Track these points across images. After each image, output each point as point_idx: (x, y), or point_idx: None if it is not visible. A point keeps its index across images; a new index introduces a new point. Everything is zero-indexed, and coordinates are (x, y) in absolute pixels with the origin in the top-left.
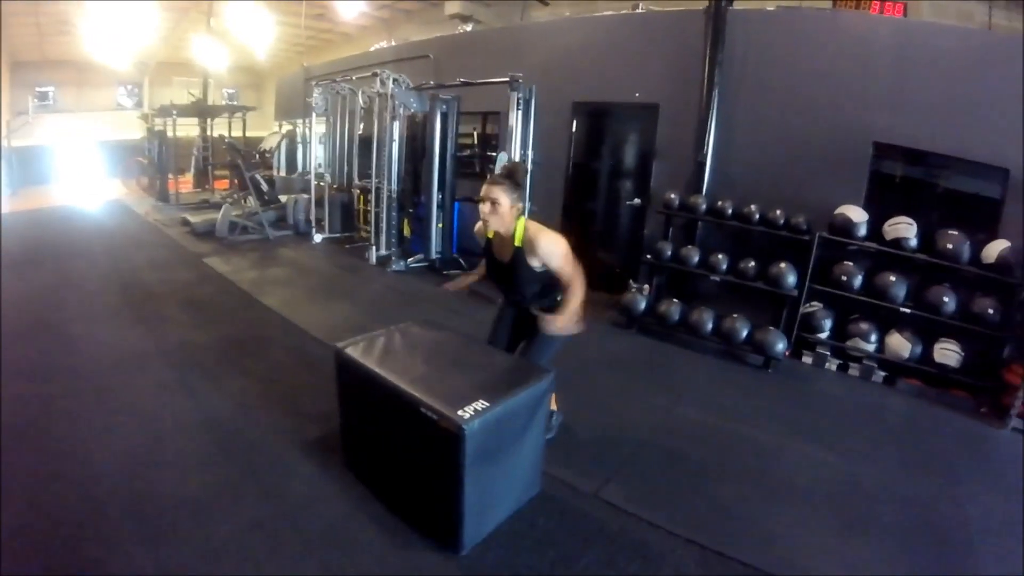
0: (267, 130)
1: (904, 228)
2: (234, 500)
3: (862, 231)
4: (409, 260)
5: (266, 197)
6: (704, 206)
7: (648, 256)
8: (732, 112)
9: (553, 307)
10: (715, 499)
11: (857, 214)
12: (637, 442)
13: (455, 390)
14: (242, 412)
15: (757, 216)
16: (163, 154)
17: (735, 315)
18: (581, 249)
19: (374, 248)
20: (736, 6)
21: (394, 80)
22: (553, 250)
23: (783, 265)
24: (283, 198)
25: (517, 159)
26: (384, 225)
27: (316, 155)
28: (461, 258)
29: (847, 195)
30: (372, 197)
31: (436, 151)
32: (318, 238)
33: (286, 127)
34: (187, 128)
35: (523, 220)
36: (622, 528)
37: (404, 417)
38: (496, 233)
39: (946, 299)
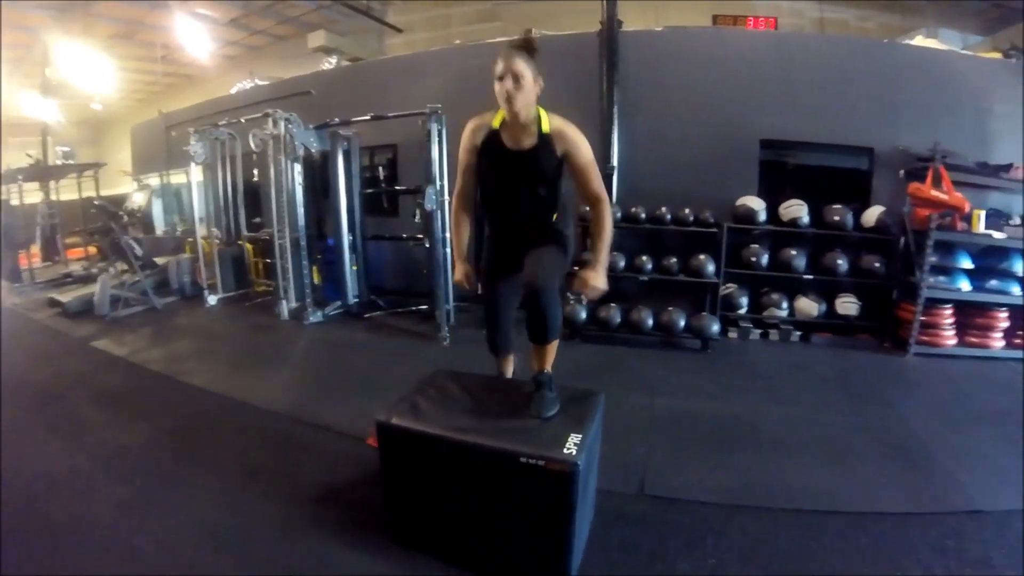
0: (117, 187)
1: (796, 209)
2: None
3: (762, 217)
4: (326, 309)
5: (142, 262)
6: (619, 214)
7: (576, 268)
8: (634, 124)
9: (550, 233)
10: (735, 467)
11: (756, 203)
12: (643, 437)
13: (541, 432)
14: (238, 515)
15: (669, 217)
16: (7, 226)
17: (671, 308)
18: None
19: (284, 302)
20: (626, 28)
21: (286, 120)
22: (583, 142)
23: (702, 257)
24: (159, 260)
25: (444, 191)
26: (291, 275)
27: (197, 208)
28: (380, 300)
29: (744, 187)
30: (276, 246)
31: (342, 190)
32: (212, 300)
33: (150, 180)
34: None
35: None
36: (681, 513)
37: (495, 472)
38: (506, 121)
39: (839, 262)
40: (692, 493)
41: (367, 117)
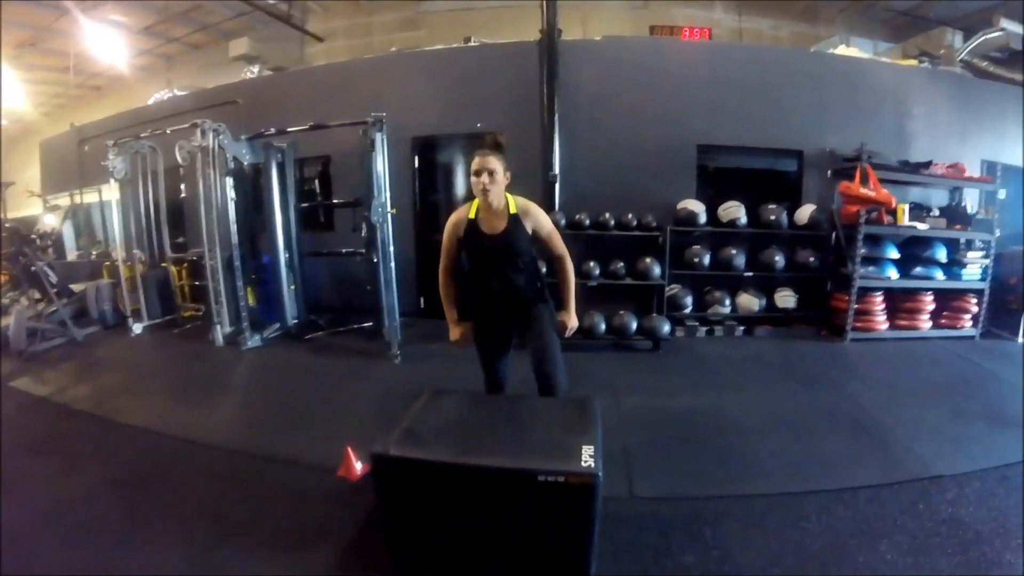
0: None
1: (735, 210)
2: None
3: (703, 219)
4: (264, 332)
5: (58, 289)
6: (563, 221)
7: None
8: (574, 132)
9: (538, 296)
10: (712, 459)
11: (696, 205)
12: (617, 439)
13: (552, 446)
14: (216, 572)
15: (612, 222)
16: None
17: (622, 312)
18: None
19: (218, 326)
20: (565, 38)
21: (215, 130)
22: (543, 216)
23: (648, 260)
24: (76, 287)
25: (388, 203)
26: (224, 298)
27: (117, 229)
28: (320, 319)
29: (683, 190)
30: (207, 267)
31: (276, 205)
32: (138, 328)
33: (59, 200)
34: None
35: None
36: (674, 510)
37: (511, 493)
38: (481, 209)
39: (777, 258)
40: (680, 489)
41: (306, 127)
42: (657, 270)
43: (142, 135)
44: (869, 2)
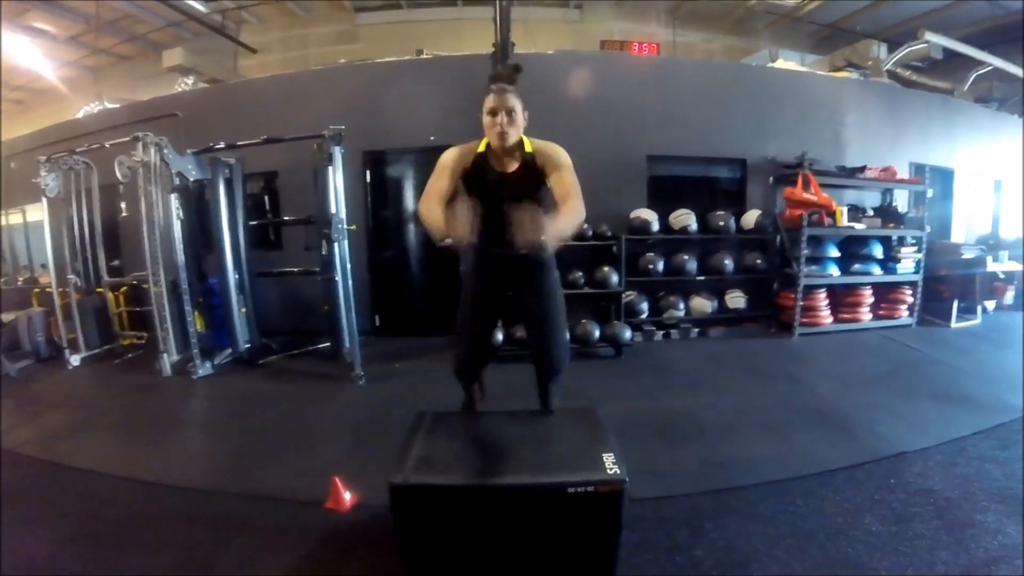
0: None
1: (685, 217)
2: None
3: (656, 227)
4: (215, 359)
5: None
6: None
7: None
8: None
9: (541, 266)
10: (695, 458)
11: (649, 214)
12: None
13: (573, 457)
14: None
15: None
16: None
17: (584, 320)
18: (402, 297)
19: (165, 355)
20: (517, 51)
21: (158, 144)
22: (564, 158)
23: (606, 268)
24: (5, 317)
25: (344, 219)
26: (171, 324)
27: (50, 252)
28: (273, 343)
29: (635, 199)
30: (151, 292)
31: (225, 223)
32: (75, 360)
33: None
34: None
35: None
36: (674, 509)
37: (540, 508)
38: (492, 149)
39: (726, 261)
40: (674, 488)
41: (259, 140)
42: (615, 278)
43: (77, 150)
44: (794, 16)
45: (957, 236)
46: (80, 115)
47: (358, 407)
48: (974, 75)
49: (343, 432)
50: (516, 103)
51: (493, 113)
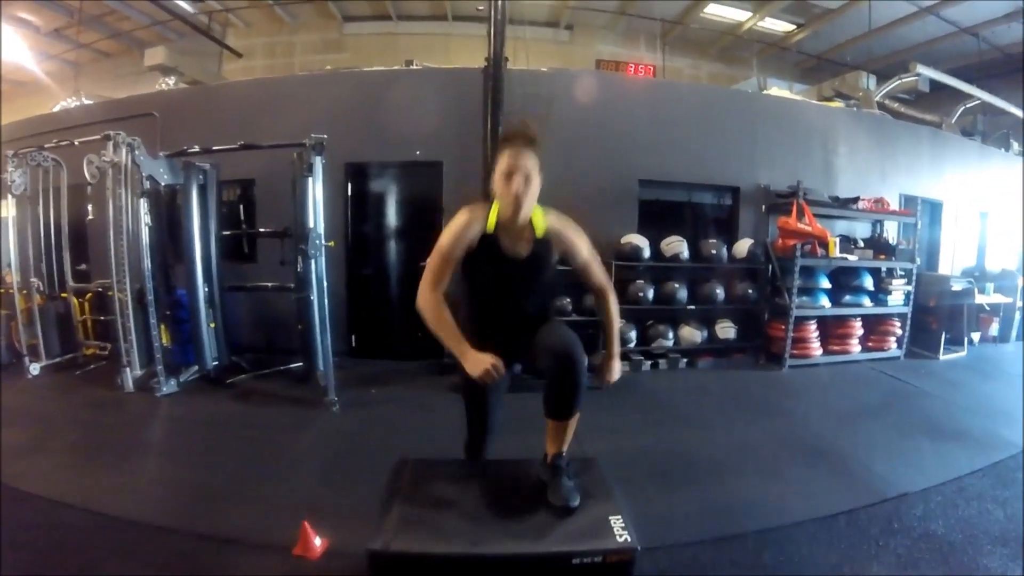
0: None
1: (677, 244)
2: None
3: (646, 253)
4: (181, 376)
5: None
6: None
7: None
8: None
9: (545, 316)
10: (692, 502)
11: (640, 240)
12: None
13: (578, 520)
14: None
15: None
16: None
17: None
18: (381, 318)
19: (128, 369)
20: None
21: (130, 144)
22: (580, 238)
23: None
24: None
25: (322, 235)
26: (135, 336)
27: (14, 253)
28: (243, 361)
29: (624, 224)
30: (115, 300)
31: (196, 232)
32: (35, 369)
33: None
34: None
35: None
36: (674, 559)
37: None
38: (503, 221)
39: (717, 291)
40: (671, 537)
41: (235, 146)
42: None
43: (46, 146)
44: (782, 46)
45: (943, 267)
46: (56, 109)
47: (331, 437)
48: (961, 108)
49: (315, 466)
50: (534, 165)
51: (509, 175)
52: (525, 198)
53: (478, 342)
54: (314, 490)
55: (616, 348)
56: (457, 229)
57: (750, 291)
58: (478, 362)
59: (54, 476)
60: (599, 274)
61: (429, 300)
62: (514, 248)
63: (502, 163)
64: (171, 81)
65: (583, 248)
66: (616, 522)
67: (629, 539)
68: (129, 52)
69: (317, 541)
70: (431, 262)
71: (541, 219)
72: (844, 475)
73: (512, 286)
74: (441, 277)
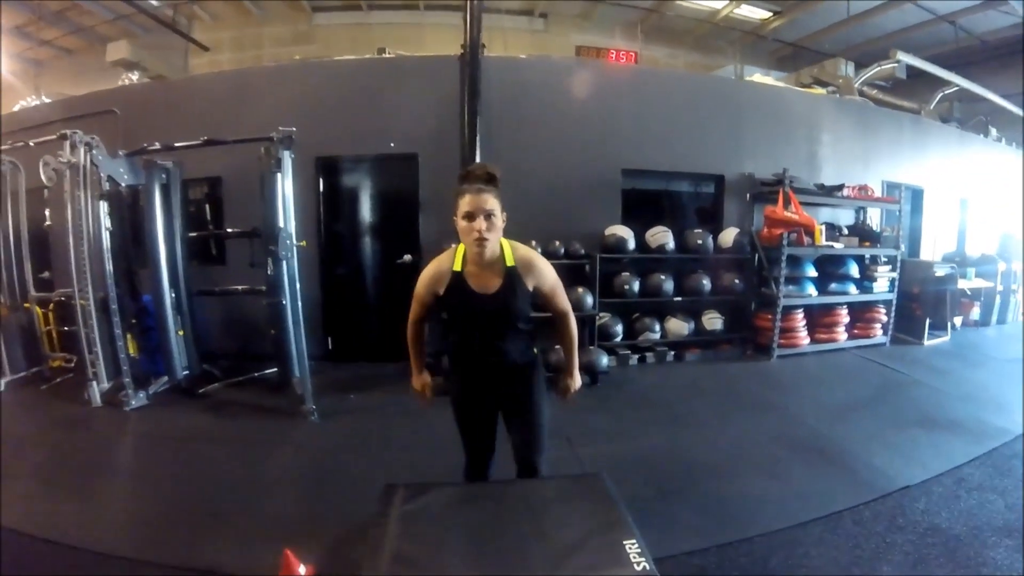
0: None
1: (663, 235)
2: None
3: (631, 245)
4: (150, 388)
5: None
6: None
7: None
8: (497, 155)
9: (530, 361)
10: (691, 508)
11: (625, 231)
12: None
13: (588, 547)
14: None
15: (539, 250)
16: None
17: (557, 346)
18: (357, 319)
19: (94, 383)
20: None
21: (88, 144)
22: (547, 269)
23: (580, 290)
24: None
25: (293, 234)
26: (100, 347)
27: None
28: (215, 369)
29: (608, 216)
30: (77, 309)
31: (160, 235)
32: (0, 384)
33: None
34: None
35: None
36: (679, 569)
37: None
38: (469, 260)
39: (704, 282)
40: (676, 546)
41: (197, 142)
42: (590, 300)
43: (2, 148)
44: (759, 34)
45: (925, 254)
46: (16, 109)
47: (311, 452)
48: (940, 95)
49: (295, 484)
50: (496, 205)
51: (469, 217)
52: (488, 237)
53: (461, 385)
54: (293, 512)
55: (575, 364)
56: (425, 281)
57: (736, 281)
58: (416, 383)
59: (13, 504)
60: (562, 301)
61: (409, 327)
62: (484, 284)
63: (463, 205)
64: (134, 77)
65: (549, 276)
66: (631, 547)
67: (647, 566)
68: (93, 48)
69: (301, 570)
70: (413, 301)
71: (508, 251)
72: (844, 471)
73: (487, 322)
74: (419, 314)
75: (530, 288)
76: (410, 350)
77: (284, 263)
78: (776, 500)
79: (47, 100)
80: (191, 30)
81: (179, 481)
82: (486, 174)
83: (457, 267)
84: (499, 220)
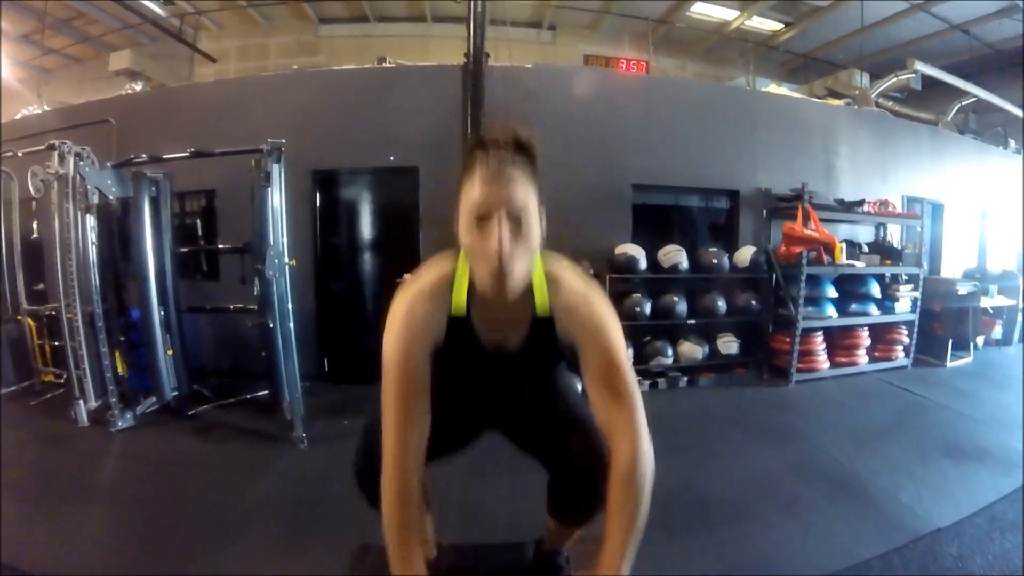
0: None
1: (676, 254)
2: None
3: (643, 265)
4: (138, 408)
5: None
6: None
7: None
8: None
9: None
10: (709, 552)
11: (636, 250)
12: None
13: None
14: None
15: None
16: None
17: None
18: (355, 338)
19: (81, 401)
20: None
21: (76, 155)
22: (611, 319)
23: None
24: None
25: (284, 251)
26: (87, 363)
27: None
28: (205, 389)
29: (618, 233)
30: (64, 324)
31: (148, 250)
32: None
33: None
34: None
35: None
36: None
37: None
38: (480, 294)
39: (719, 303)
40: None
41: (184, 154)
42: None
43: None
44: (770, 45)
45: (945, 271)
46: (18, 117)
47: (297, 482)
48: (957, 106)
49: (277, 520)
50: (528, 197)
51: (483, 217)
52: (514, 253)
53: (441, 405)
54: (278, 547)
55: (626, 555)
56: (408, 329)
57: (753, 302)
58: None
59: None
60: (627, 396)
61: (391, 470)
62: (504, 337)
63: (471, 195)
64: (137, 86)
65: (612, 337)
66: None
67: None
68: (100, 58)
69: None
70: (389, 400)
71: (542, 284)
72: (871, 510)
73: (498, 391)
74: (409, 435)
75: (568, 343)
76: (395, 520)
77: (273, 282)
78: (798, 546)
79: (47, 108)
80: (197, 40)
81: (164, 509)
82: (514, 140)
83: (459, 308)
84: (535, 225)
